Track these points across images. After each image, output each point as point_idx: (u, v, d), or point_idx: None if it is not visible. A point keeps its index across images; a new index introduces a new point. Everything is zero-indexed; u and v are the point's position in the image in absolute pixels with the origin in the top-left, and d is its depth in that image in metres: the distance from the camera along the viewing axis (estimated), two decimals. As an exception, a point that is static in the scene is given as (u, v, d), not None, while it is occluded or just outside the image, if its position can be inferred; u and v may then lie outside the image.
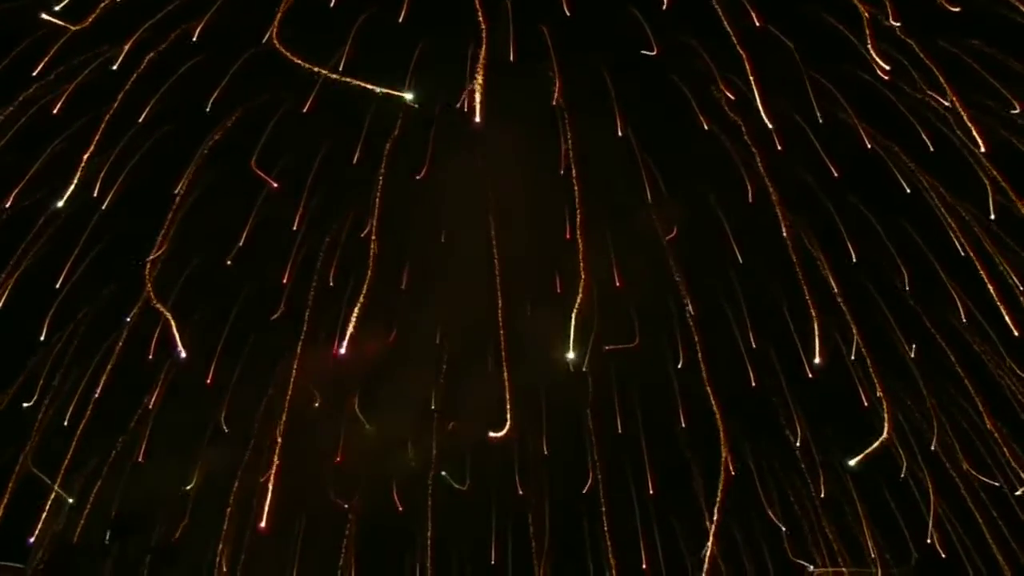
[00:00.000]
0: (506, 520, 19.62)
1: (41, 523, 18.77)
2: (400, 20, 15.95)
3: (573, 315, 16.88)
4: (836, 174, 16.92)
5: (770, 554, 19.50)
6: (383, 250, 17.27)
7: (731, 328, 18.71)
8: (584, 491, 18.98)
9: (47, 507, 18.72)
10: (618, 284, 17.99)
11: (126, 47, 16.12)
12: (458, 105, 16.05)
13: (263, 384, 18.97)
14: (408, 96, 16.02)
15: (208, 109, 16.56)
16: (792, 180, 17.47)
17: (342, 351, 17.28)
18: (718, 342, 18.34)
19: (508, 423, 17.06)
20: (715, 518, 17.89)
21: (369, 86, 15.51)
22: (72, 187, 16.23)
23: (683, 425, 18.59)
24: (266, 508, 16.94)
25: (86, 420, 18.42)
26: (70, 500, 19.18)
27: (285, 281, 18.03)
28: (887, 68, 16.04)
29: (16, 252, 17.60)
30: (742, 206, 17.65)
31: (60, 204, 16.60)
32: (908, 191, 17.21)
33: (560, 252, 17.70)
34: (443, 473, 19.17)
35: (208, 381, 18.79)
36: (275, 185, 17.33)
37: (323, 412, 19.03)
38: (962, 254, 16.85)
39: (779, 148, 16.65)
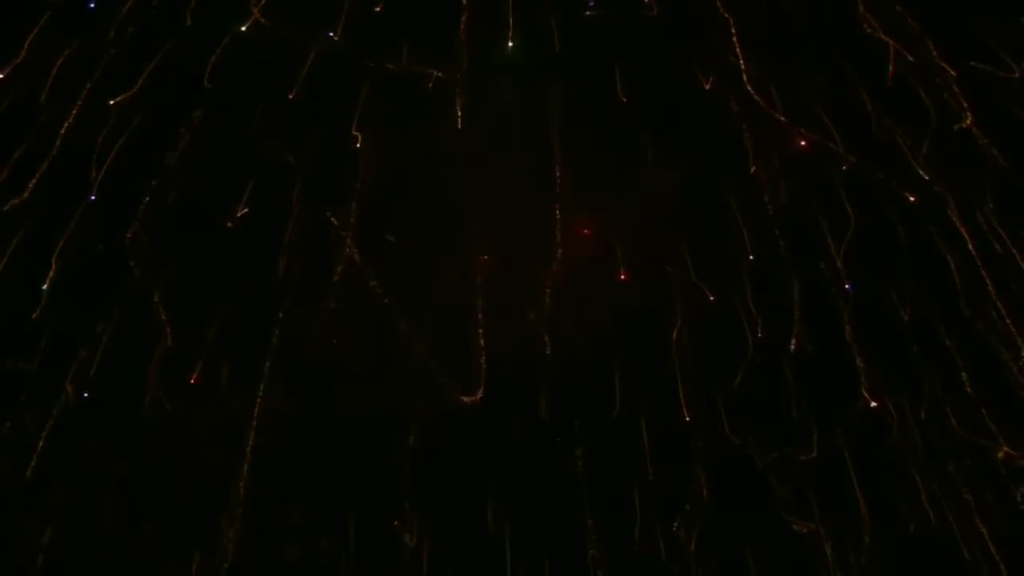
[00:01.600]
0: (502, 488, 19.83)
1: None
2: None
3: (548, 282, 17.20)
4: (843, 152, 16.61)
5: (765, 520, 19.80)
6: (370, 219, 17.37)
7: (731, 306, 18.57)
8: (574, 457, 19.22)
9: None
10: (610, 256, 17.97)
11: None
12: (431, 86, 15.91)
13: (260, 347, 18.86)
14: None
15: (198, 89, 16.29)
16: (794, 158, 17.21)
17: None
18: (715, 317, 18.38)
19: (481, 389, 17.36)
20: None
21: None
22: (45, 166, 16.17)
23: (682, 399, 18.63)
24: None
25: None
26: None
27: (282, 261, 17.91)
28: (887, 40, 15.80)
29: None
30: (743, 180, 17.50)
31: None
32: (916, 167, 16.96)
33: (552, 222, 17.54)
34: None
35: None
36: (291, 160, 17.15)
37: (315, 372, 19.01)
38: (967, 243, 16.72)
39: (781, 120, 16.58)
